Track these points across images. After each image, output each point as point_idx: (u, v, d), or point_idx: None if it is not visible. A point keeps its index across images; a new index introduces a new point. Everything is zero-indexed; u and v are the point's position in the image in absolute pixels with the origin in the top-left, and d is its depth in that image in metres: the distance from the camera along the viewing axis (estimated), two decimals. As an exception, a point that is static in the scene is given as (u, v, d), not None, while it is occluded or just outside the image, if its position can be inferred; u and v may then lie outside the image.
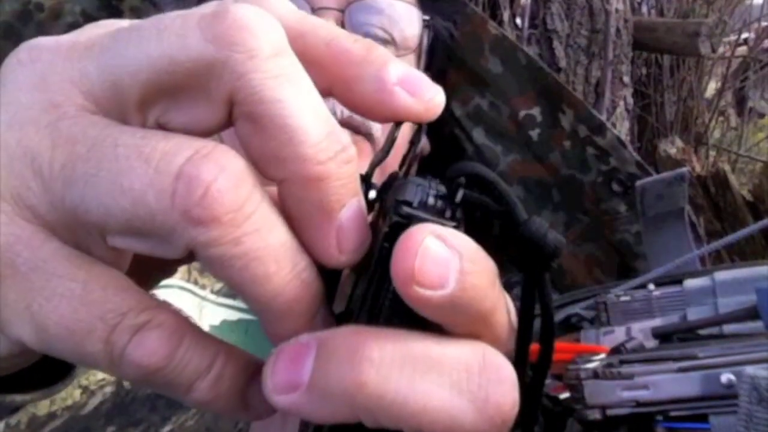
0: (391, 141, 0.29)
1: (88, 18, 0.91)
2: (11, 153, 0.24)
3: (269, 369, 0.25)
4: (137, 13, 0.93)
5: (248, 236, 0.23)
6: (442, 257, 0.24)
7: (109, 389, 0.55)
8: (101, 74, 0.25)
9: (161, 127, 0.25)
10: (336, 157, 0.24)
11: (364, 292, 0.26)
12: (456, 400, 0.25)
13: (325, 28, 0.28)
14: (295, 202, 0.25)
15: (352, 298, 0.27)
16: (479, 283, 0.25)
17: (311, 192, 0.24)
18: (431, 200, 0.26)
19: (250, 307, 0.25)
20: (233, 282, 0.24)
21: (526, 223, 0.27)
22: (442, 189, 0.26)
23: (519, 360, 0.28)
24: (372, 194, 0.27)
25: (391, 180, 0.28)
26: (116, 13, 0.92)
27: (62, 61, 0.25)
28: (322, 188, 0.24)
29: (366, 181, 0.27)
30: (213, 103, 0.24)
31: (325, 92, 0.27)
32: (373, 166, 0.29)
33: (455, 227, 0.26)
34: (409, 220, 0.25)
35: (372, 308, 0.26)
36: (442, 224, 0.25)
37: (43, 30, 0.90)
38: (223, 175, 0.23)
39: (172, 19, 0.25)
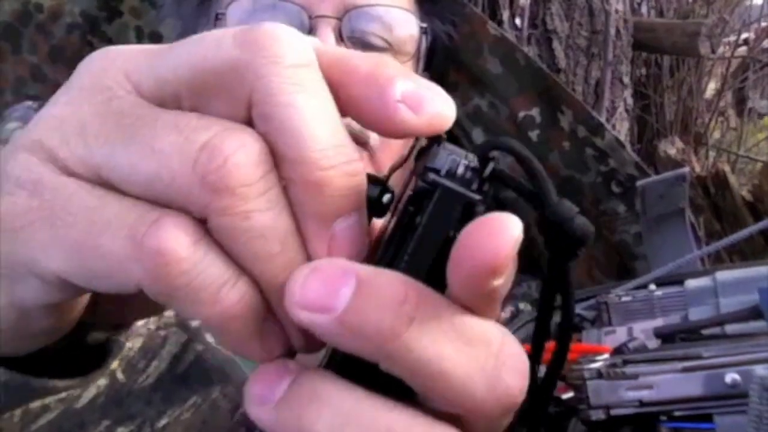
0: (411, 148, 0.30)
1: (88, 18, 0.91)
2: (64, 119, 0.28)
3: (299, 282, 0.25)
4: (137, 13, 0.93)
5: (257, 213, 0.25)
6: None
7: (103, 382, 0.55)
8: (150, 70, 0.28)
9: None
10: (339, 167, 0.26)
11: (383, 254, 0.27)
12: (472, 371, 0.26)
13: (335, 51, 0.29)
14: (295, 205, 0.26)
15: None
16: None
17: (309, 196, 0.26)
18: (461, 170, 0.26)
19: (259, 284, 0.26)
20: (239, 256, 0.26)
21: (555, 206, 0.27)
22: (475, 162, 0.27)
23: (534, 354, 0.29)
24: (386, 197, 0.28)
25: (430, 144, 0.28)
26: (115, 13, 0.92)
27: (122, 59, 0.28)
28: (320, 194, 0.26)
29: (383, 183, 0.28)
30: (235, 102, 0.26)
31: (344, 114, 0.28)
32: (392, 170, 0.30)
33: (480, 200, 0.26)
34: (434, 187, 0.26)
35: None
36: (466, 195, 0.26)
37: (43, 30, 0.90)
38: (243, 150, 0.25)
39: (214, 31, 0.28)
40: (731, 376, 0.37)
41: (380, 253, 0.27)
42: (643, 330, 0.52)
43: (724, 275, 0.54)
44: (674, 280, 0.56)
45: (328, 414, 0.25)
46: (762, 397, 0.31)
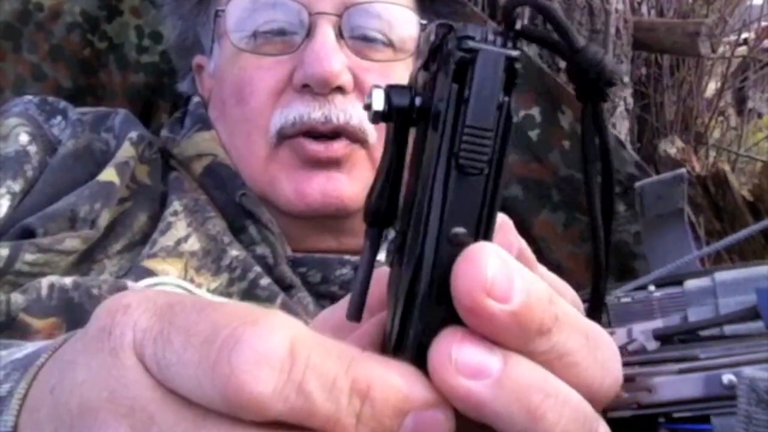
0: (430, 47, 0.29)
1: (88, 17, 0.91)
2: None
3: (485, 266, 0.26)
4: (137, 13, 0.93)
5: None
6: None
7: None
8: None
9: None
10: None
11: (443, 131, 0.26)
12: (592, 363, 0.28)
13: None
14: None
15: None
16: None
17: None
18: (491, 36, 0.27)
19: None
20: None
21: (583, 51, 0.28)
22: (498, 30, 0.27)
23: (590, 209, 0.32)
24: (418, 100, 0.28)
25: (442, 37, 0.28)
26: (116, 12, 0.92)
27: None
28: None
29: (409, 87, 0.29)
30: None
31: None
32: (414, 76, 0.30)
33: (519, 56, 0.26)
34: (475, 54, 0.26)
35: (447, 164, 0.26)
36: (506, 53, 0.26)
37: (43, 29, 0.90)
38: None
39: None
40: (728, 377, 0.37)
41: (441, 130, 0.26)
42: (642, 331, 0.52)
43: (723, 275, 0.54)
44: (673, 280, 0.56)
45: (551, 394, 0.27)
46: (750, 397, 0.32)
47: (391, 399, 0.25)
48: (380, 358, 0.26)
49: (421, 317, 0.27)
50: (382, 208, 0.29)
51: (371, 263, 0.30)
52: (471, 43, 0.26)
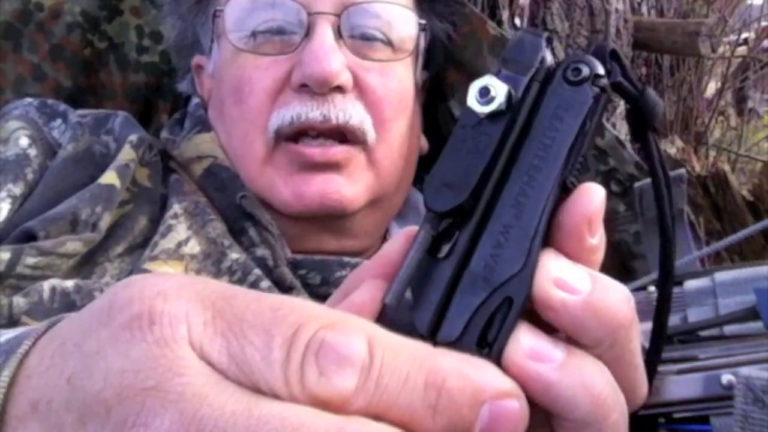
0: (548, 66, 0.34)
1: (88, 17, 0.91)
2: None
3: (556, 269, 0.30)
4: (137, 13, 0.93)
5: None
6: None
7: None
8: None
9: None
10: None
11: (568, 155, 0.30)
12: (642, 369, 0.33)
13: None
14: None
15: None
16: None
17: None
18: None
19: None
20: None
21: (645, 92, 0.33)
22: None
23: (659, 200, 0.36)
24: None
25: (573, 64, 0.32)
26: (116, 12, 0.92)
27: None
28: None
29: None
30: None
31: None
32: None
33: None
34: (603, 93, 0.31)
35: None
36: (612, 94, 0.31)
37: (43, 29, 0.90)
38: None
39: None
40: (727, 378, 0.37)
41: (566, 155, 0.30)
42: (642, 331, 0.52)
43: (722, 276, 0.54)
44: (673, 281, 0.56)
45: (610, 382, 0.30)
46: (746, 396, 0.32)
47: (466, 389, 0.27)
48: (452, 353, 0.28)
49: (514, 316, 0.29)
50: (468, 205, 0.30)
51: (425, 251, 0.31)
52: (604, 82, 0.31)
